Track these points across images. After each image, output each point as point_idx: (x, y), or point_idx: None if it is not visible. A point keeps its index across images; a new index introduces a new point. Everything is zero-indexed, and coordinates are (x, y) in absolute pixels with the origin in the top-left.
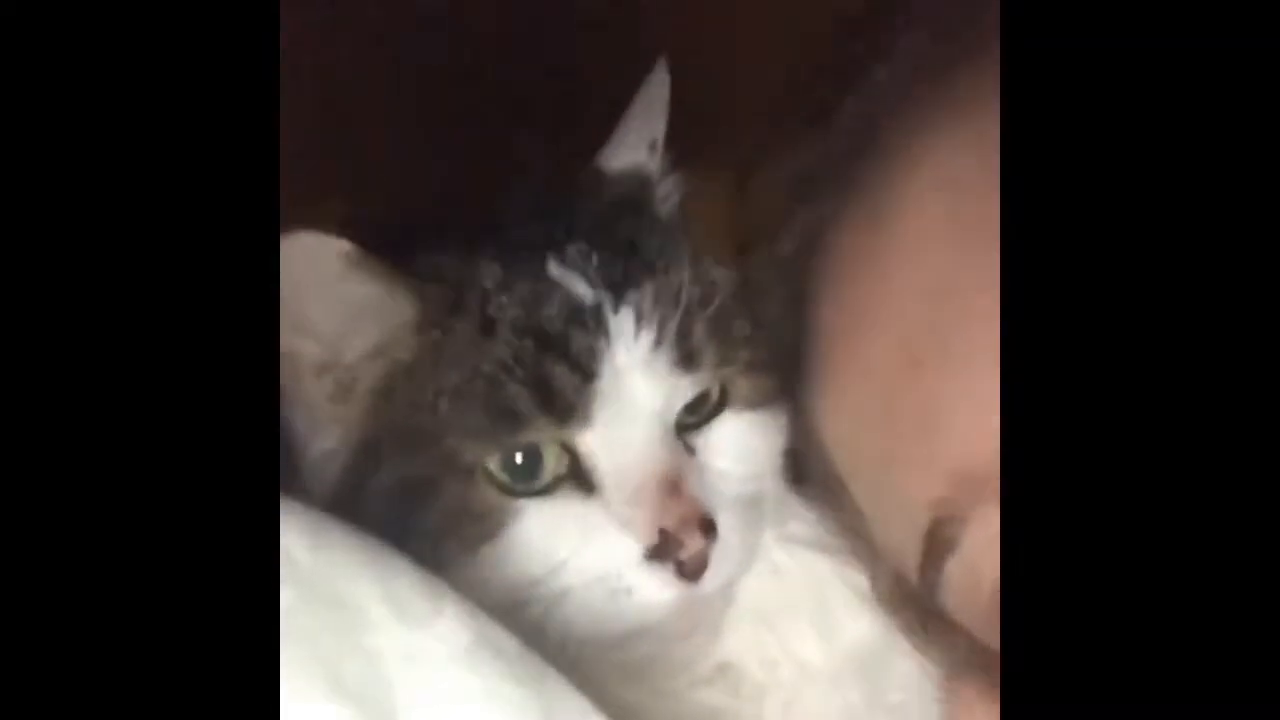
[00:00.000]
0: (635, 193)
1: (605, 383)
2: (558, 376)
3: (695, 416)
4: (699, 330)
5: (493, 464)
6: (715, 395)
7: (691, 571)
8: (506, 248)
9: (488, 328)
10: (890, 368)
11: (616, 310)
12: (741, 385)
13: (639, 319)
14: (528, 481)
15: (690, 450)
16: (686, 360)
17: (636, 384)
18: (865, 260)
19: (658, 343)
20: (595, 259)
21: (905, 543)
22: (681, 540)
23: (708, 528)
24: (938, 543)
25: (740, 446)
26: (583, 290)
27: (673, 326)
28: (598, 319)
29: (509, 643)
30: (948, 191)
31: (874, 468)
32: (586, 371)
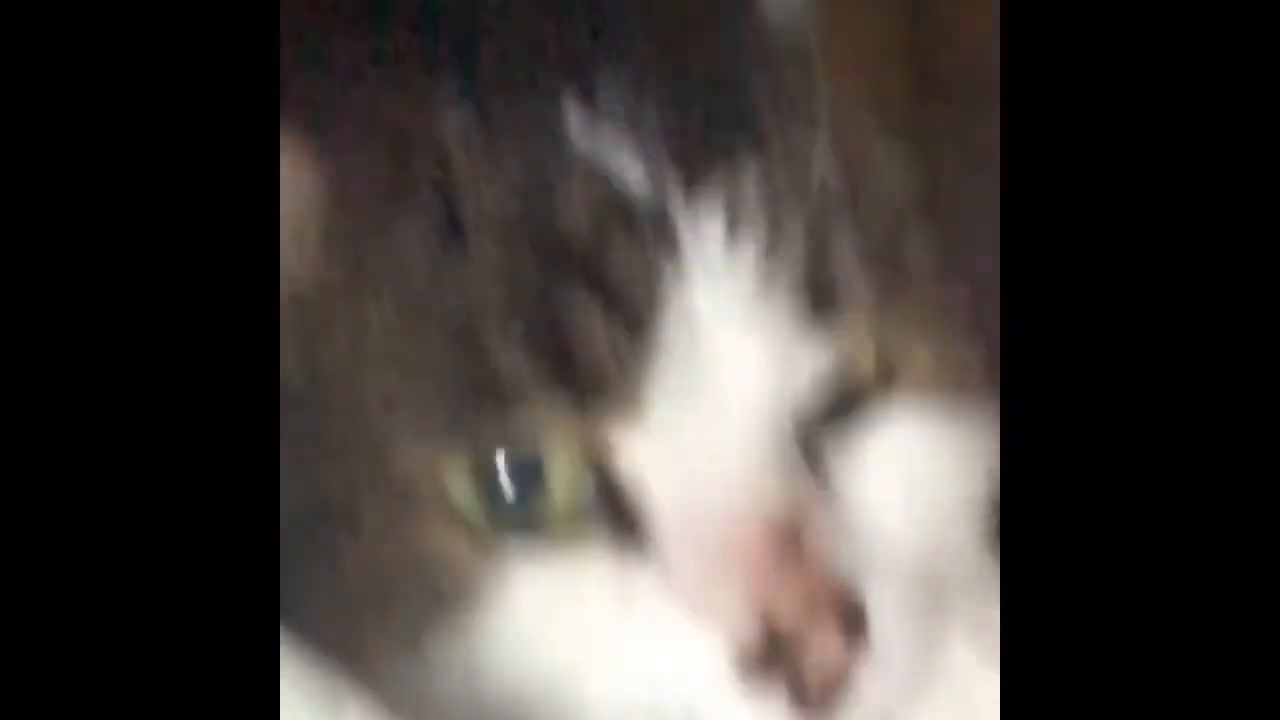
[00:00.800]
0: None
1: (668, 338)
2: (581, 324)
3: (833, 410)
4: (844, 249)
5: (455, 480)
6: (871, 371)
7: (819, 695)
8: (486, 77)
9: (451, 228)
10: None
11: (691, 206)
12: (920, 356)
13: (732, 223)
14: (518, 512)
15: (821, 475)
16: (821, 302)
17: (727, 344)
18: None
19: (769, 270)
20: (652, 109)
21: None
22: (804, 641)
23: (850, 618)
24: None
25: (913, 470)
26: (629, 168)
27: (797, 239)
28: (658, 223)
29: None
30: None
31: None
32: (633, 316)
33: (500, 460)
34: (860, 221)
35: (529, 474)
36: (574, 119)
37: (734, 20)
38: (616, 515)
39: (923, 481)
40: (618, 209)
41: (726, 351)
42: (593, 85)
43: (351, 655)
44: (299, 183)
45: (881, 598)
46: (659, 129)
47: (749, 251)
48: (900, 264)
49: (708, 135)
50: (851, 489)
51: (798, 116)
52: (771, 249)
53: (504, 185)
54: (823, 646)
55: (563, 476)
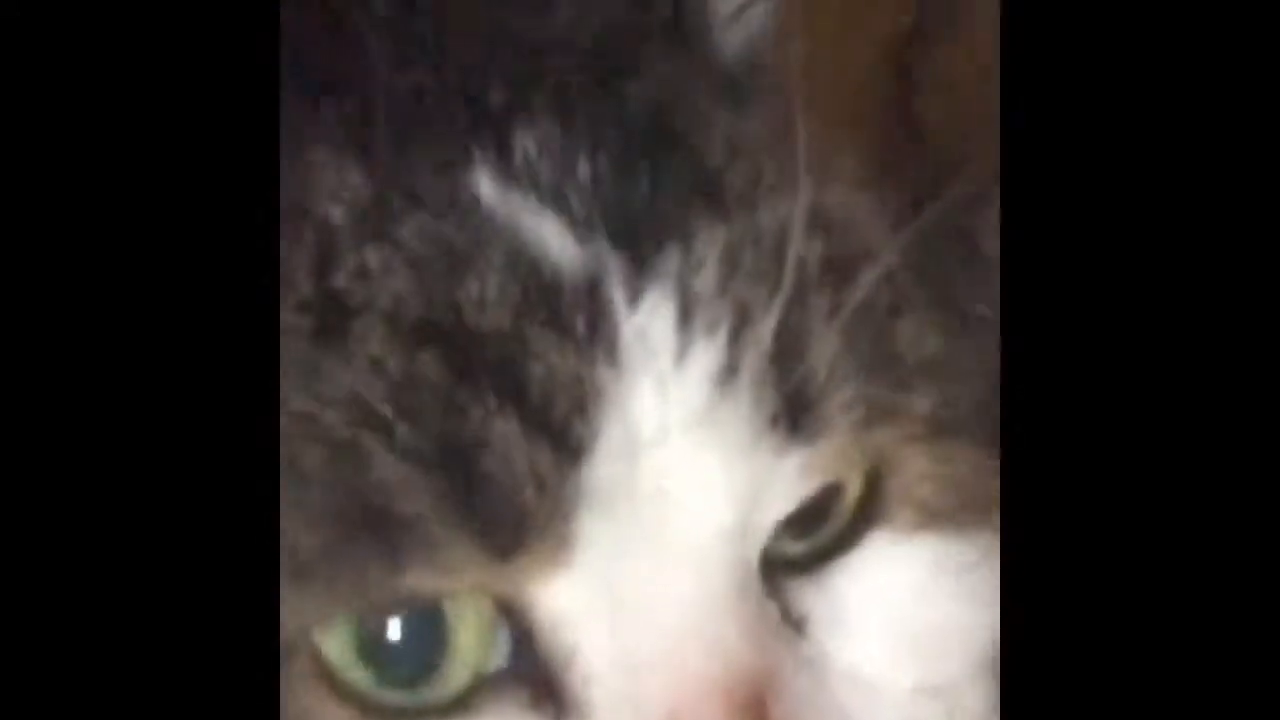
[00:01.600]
0: (661, 8)
1: (604, 461)
2: (495, 441)
3: (809, 543)
4: (824, 344)
5: (334, 640)
6: (856, 498)
7: None
8: (378, 131)
9: (331, 315)
10: None
11: (636, 292)
12: (913, 468)
13: (685, 316)
14: (412, 685)
15: (794, 628)
16: (796, 413)
17: (677, 468)
18: None
19: (731, 370)
20: (585, 170)
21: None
22: None
23: None
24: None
25: (908, 613)
26: (557, 244)
27: (766, 336)
28: (592, 314)
29: None
30: None
31: None
32: (560, 432)
33: (390, 620)
34: (845, 309)
35: (427, 632)
36: (486, 183)
37: (681, 55)
38: (537, 681)
39: (920, 627)
40: (542, 296)
41: (676, 477)
42: (510, 141)
43: None
44: None
45: None
46: (593, 195)
47: (706, 352)
48: (893, 361)
49: (654, 203)
50: (832, 644)
51: (767, 176)
52: (734, 347)
53: (399, 263)
54: None
55: (470, 635)
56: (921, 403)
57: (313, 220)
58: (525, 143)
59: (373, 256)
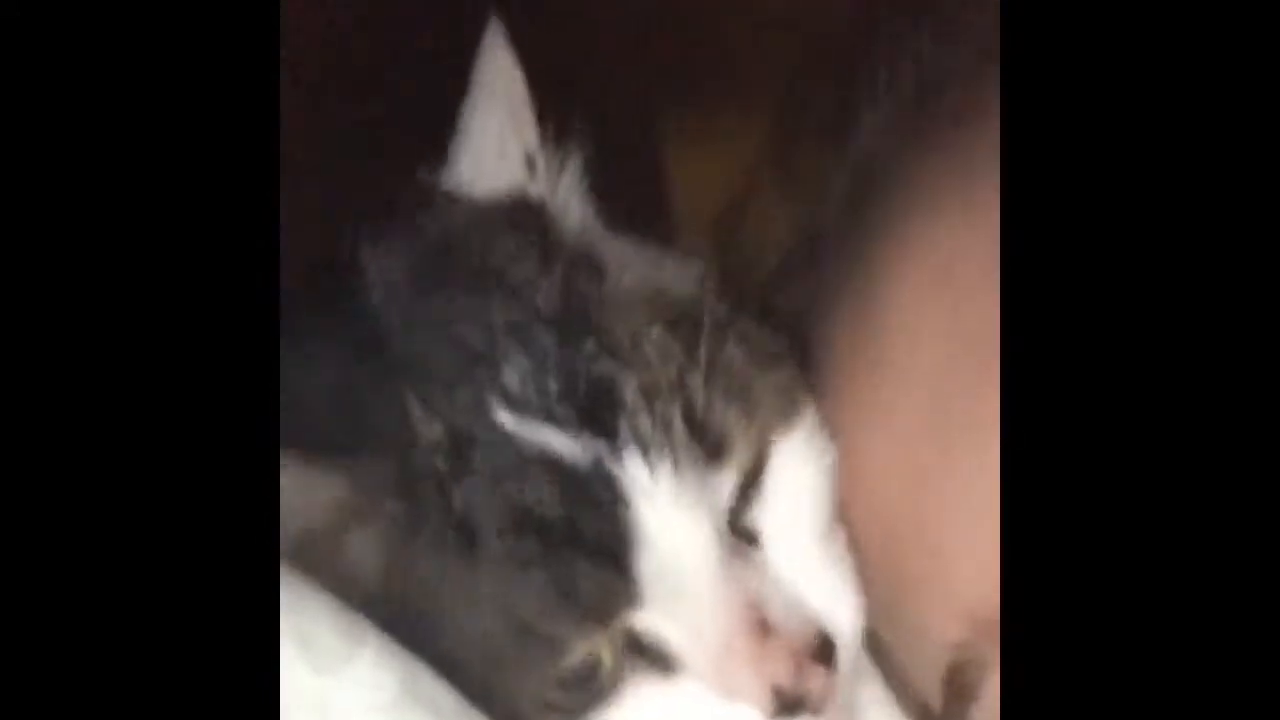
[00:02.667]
0: (555, 238)
1: (643, 554)
2: (584, 578)
3: (744, 498)
4: (719, 401)
5: (538, 691)
6: (758, 454)
7: (817, 707)
8: (428, 381)
9: (466, 534)
10: (891, 485)
11: (619, 458)
12: (771, 404)
13: (647, 451)
14: (587, 692)
15: (752, 540)
16: (716, 451)
17: (676, 529)
18: (860, 355)
19: (676, 464)
20: (551, 380)
21: (927, 683)
22: (802, 688)
23: (820, 652)
24: (958, 688)
25: (802, 485)
26: (563, 445)
27: (683, 425)
28: (603, 481)
29: (445, 697)
30: (949, 288)
31: (885, 595)
32: (617, 557)
33: (565, 673)
34: (719, 369)
35: (586, 667)
36: (501, 410)
37: (578, 265)
38: (653, 658)
39: (811, 490)
40: (571, 482)
41: (679, 534)
42: (498, 373)
43: None
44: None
45: (836, 616)
46: (563, 398)
47: (665, 461)
48: (756, 374)
49: (596, 385)
50: (775, 539)
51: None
52: (676, 446)
53: (485, 484)
54: (815, 683)
55: (607, 656)
56: (773, 380)
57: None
58: (507, 369)
59: (458, 478)
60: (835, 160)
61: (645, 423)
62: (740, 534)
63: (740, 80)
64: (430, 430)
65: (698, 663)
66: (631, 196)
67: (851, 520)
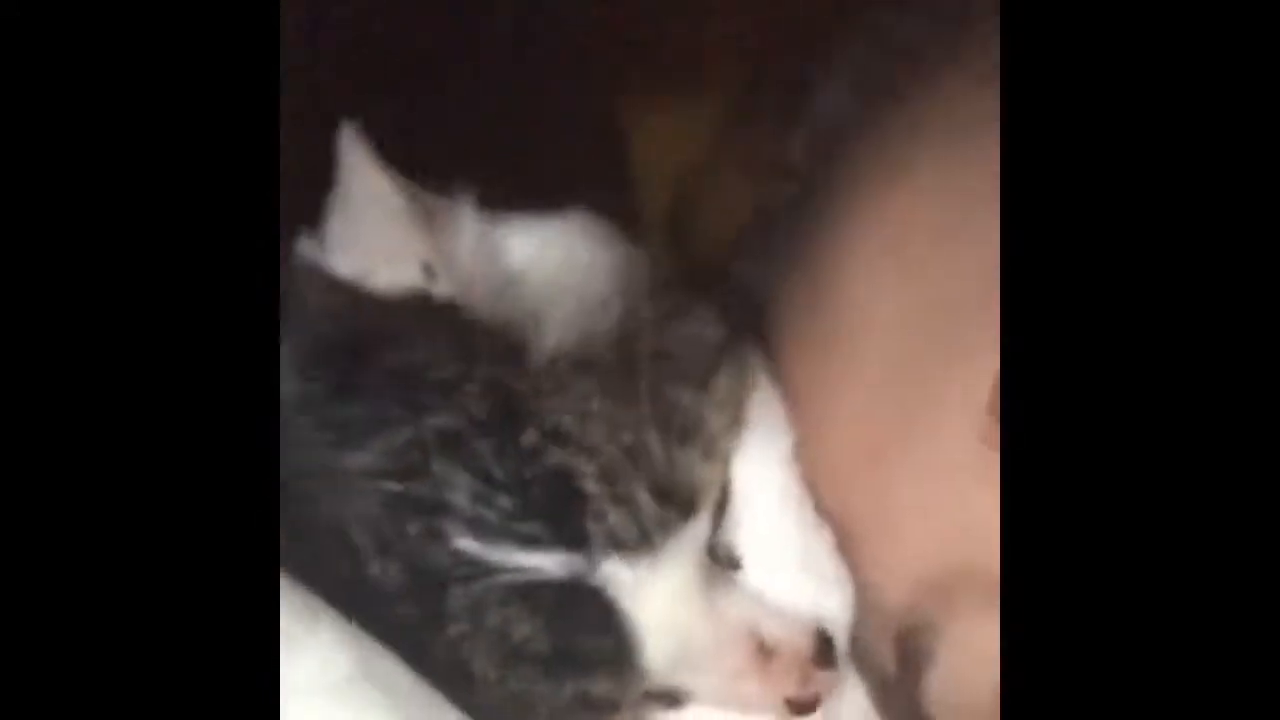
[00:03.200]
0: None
1: (645, 647)
2: (590, 688)
3: (718, 526)
4: (679, 453)
5: None
6: (724, 480)
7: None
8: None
9: (458, 677)
10: (845, 460)
11: (597, 565)
12: (724, 421)
13: (623, 548)
14: None
15: (735, 564)
16: (689, 507)
17: (670, 607)
18: (814, 330)
19: (653, 545)
20: (503, 495)
21: (883, 651)
22: (810, 693)
23: (821, 656)
24: (912, 653)
25: (769, 484)
26: (535, 563)
27: (651, 501)
28: (587, 597)
29: (401, 677)
30: (899, 259)
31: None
32: (620, 662)
33: None
34: (674, 431)
35: None
36: (462, 537)
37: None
38: (667, 699)
39: (783, 496)
40: (558, 605)
41: (674, 606)
42: (443, 497)
43: None
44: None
45: (827, 608)
46: (523, 510)
47: (644, 547)
48: (715, 413)
49: (554, 484)
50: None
51: (596, 407)
52: (647, 527)
53: (458, 628)
54: (821, 684)
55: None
56: (731, 415)
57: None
58: (455, 495)
59: (454, 618)
60: (793, 136)
61: (614, 515)
62: (721, 562)
63: (699, 58)
64: (388, 577)
65: (707, 694)
66: (589, 173)
67: (810, 491)
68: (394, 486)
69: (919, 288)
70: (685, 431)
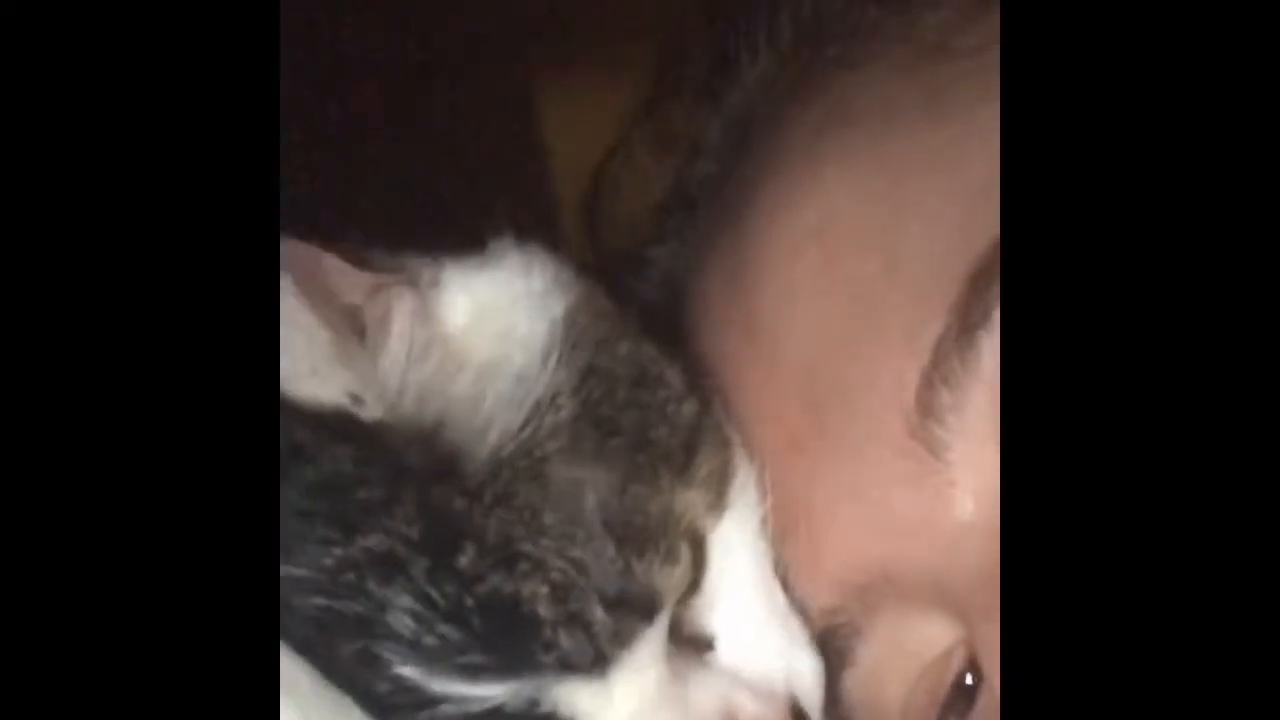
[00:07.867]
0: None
1: None
2: None
3: (684, 607)
4: (634, 556)
5: None
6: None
7: None
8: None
9: None
10: (767, 449)
11: (551, 691)
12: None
13: (579, 669)
14: None
15: (706, 645)
16: (649, 611)
17: (633, 713)
18: (734, 317)
19: (610, 660)
20: (447, 624)
21: None
22: None
23: None
24: (830, 654)
25: (750, 567)
26: (486, 694)
27: (605, 614)
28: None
29: (302, 678)
30: (824, 240)
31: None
32: None
33: None
34: (635, 485)
35: None
36: (405, 664)
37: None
38: None
39: (757, 569)
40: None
41: (643, 687)
42: (384, 621)
43: None
44: None
45: (801, 680)
46: (464, 630)
47: (607, 639)
48: (670, 458)
49: (490, 600)
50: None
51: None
52: (605, 621)
53: None
54: None
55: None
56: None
57: None
58: (392, 615)
59: None
60: (711, 114)
61: (567, 639)
62: (692, 645)
63: (613, 35)
64: None
65: None
66: (505, 162)
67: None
68: (322, 601)
69: (842, 273)
70: (637, 518)
